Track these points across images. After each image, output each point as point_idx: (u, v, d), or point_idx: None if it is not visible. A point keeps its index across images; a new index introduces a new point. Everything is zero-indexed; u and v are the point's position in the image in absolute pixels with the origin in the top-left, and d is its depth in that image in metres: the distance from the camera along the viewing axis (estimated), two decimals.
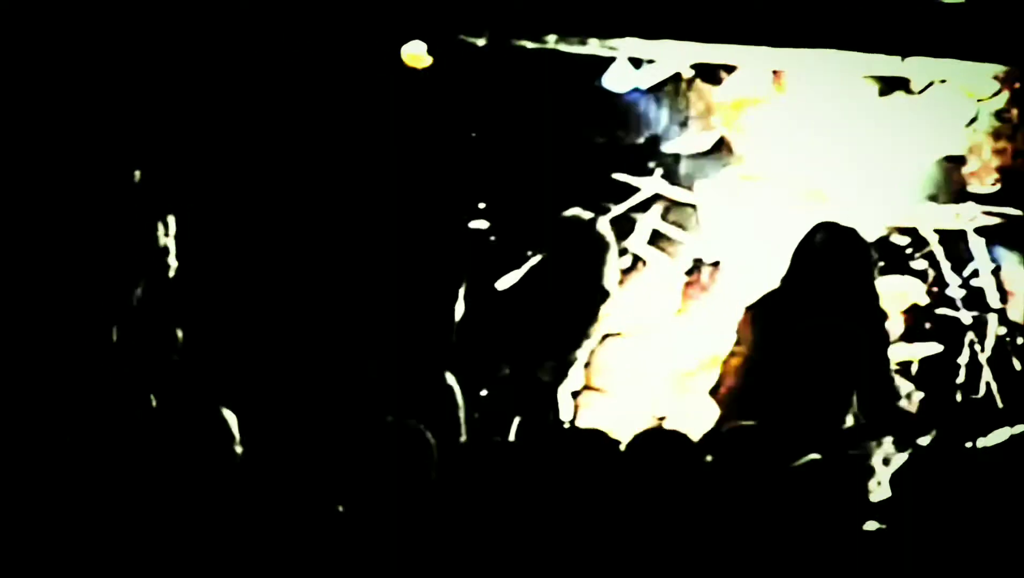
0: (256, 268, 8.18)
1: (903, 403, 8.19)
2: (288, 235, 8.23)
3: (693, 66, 8.91)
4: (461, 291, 7.88)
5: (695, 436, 7.14)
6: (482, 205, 8.83)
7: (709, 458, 6.22)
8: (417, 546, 5.74)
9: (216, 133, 8.31)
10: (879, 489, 7.24)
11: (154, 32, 8.16)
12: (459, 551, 5.86)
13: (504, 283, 8.13)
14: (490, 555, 5.95)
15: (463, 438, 7.22)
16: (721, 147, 9.30)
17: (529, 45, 8.69)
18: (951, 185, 8.98)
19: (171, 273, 7.34)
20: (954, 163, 9.04)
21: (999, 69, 8.61)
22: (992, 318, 8.57)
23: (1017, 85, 8.59)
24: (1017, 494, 6.96)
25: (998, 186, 8.96)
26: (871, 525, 6.61)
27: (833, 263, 6.61)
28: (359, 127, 8.58)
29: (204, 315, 7.66)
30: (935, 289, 8.65)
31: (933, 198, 8.84)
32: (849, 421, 6.65)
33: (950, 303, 8.66)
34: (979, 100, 8.74)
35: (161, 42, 8.17)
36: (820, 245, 6.64)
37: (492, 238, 8.78)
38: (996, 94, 8.75)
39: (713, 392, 6.74)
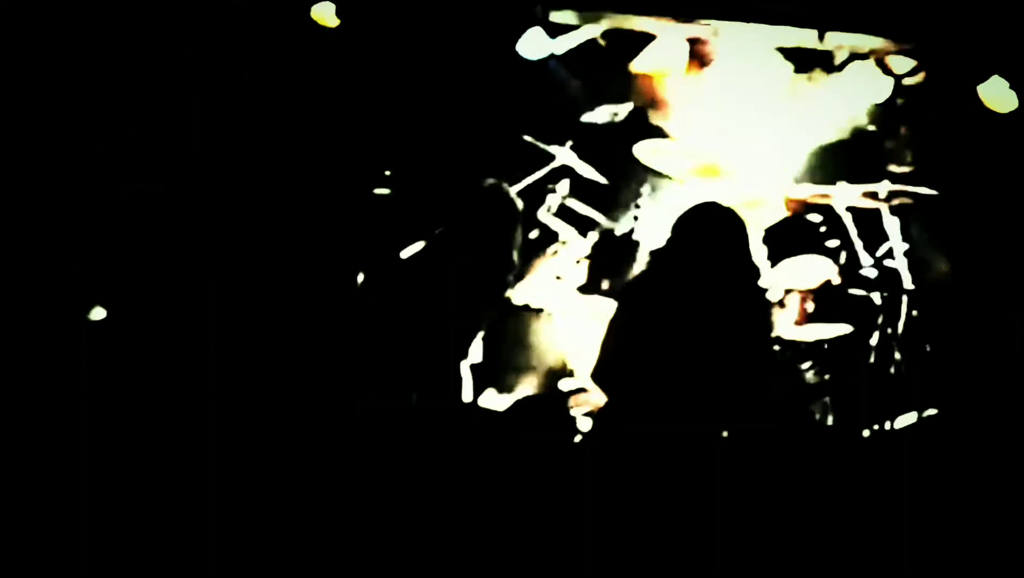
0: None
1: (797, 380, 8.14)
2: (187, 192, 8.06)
3: (607, 33, 8.75)
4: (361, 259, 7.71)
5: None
6: (388, 172, 8.63)
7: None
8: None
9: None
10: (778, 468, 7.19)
11: None
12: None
13: (408, 252, 7.95)
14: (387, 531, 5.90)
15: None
16: (636, 119, 9.17)
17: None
18: (867, 163, 8.90)
19: None
20: (870, 140, 8.97)
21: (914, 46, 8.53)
22: (904, 299, 8.47)
23: (932, 64, 8.49)
24: (925, 476, 6.96)
25: (912, 166, 8.90)
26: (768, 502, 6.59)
27: (709, 240, 6.54)
28: (267, 87, 8.42)
29: None
30: (847, 268, 8.55)
31: (848, 176, 8.74)
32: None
33: (862, 283, 8.56)
34: (896, 77, 8.64)
35: None
36: (696, 222, 6.59)
37: (396, 205, 8.59)
38: (913, 72, 8.65)
39: (594, 373, 6.61)
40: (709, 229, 6.57)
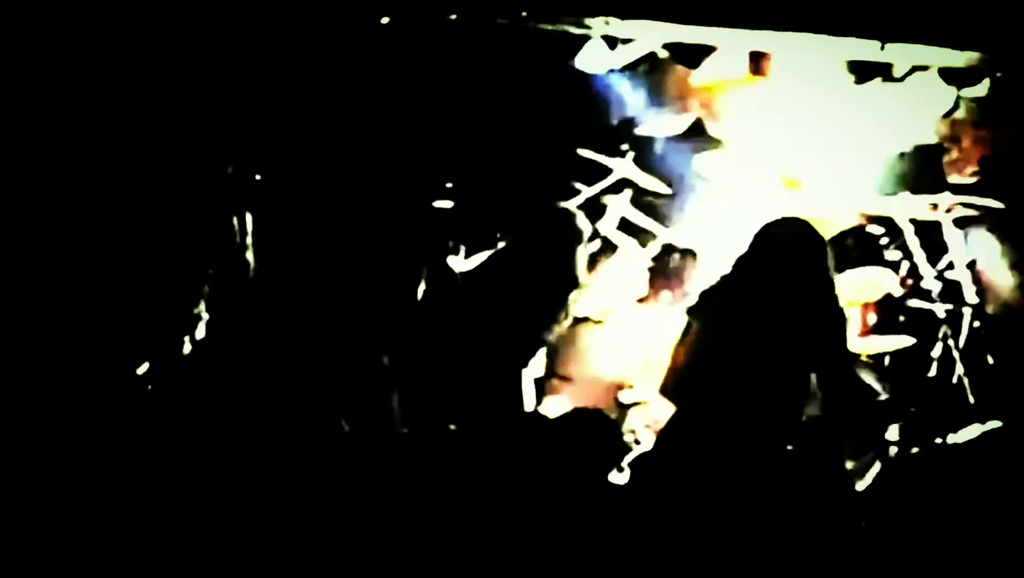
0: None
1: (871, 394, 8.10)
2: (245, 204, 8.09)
3: (668, 46, 8.73)
4: (424, 271, 7.72)
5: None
6: (449, 185, 8.65)
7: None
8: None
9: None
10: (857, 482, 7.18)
11: None
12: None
13: (466, 265, 7.99)
14: (456, 545, 5.91)
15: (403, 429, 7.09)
16: (696, 131, 9.16)
17: (502, 21, 8.53)
18: (929, 175, 8.84)
19: None
20: (933, 152, 8.90)
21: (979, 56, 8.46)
22: (967, 312, 8.43)
23: (998, 75, 8.41)
24: (987, 489, 6.91)
25: (976, 177, 8.83)
26: (850, 517, 6.56)
27: (787, 255, 6.46)
28: (328, 102, 8.45)
29: None
30: (909, 281, 8.50)
31: (910, 188, 8.69)
32: (810, 412, 6.49)
33: (925, 295, 8.52)
34: (959, 89, 8.57)
35: None
36: (775, 237, 6.50)
37: (458, 219, 8.61)
38: (976, 82, 8.58)
39: (663, 387, 6.56)
40: (789, 243, 6.48)
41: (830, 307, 6.46)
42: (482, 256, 8.10)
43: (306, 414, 6.79)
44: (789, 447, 6.42)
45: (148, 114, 7.73)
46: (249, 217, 7.47)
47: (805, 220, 6.63)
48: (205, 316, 7.22)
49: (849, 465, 7.44)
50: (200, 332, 7.16)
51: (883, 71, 8.78)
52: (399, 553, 5.97)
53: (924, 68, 8.53)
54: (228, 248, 7.39)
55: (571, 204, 8.29)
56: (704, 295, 6.63)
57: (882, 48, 8.43)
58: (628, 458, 7.29)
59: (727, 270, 6.58)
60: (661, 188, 8.87)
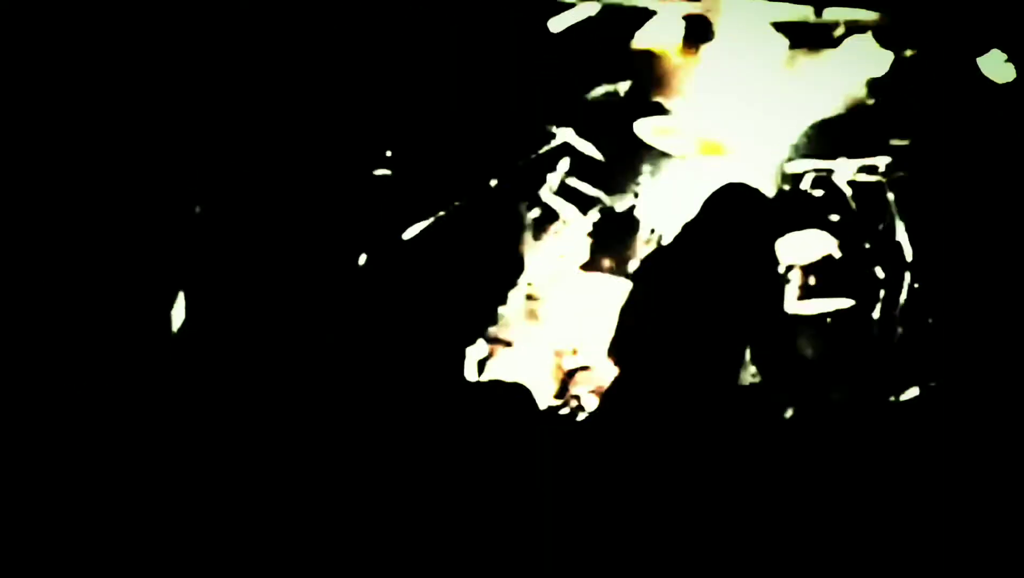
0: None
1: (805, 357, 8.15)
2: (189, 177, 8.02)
3: (606, 9, 8.72)
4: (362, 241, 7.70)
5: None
6: (388, 153, 8.61)
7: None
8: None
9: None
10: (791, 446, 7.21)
11: None
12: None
13: (410, 233, 7.95)
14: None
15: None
16: (636, 96, 9.15)
17: None
18: (867, 137, 8.89)
19: None
20: (869, 114, 8.95)
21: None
22: (906, 273, 8.48)
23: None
24: (928, 450, 6.96)
25: (912, 139, 8.89)
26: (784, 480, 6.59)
27: (734, 220, 6.51)
28: (268, 54, 8.39)
29: None
30: (848, 242, 8.55)
31: (849, 150, 8.73)
32: (746, 377, 6.54)
33: (864, 257, 8.56)
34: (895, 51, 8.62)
35: None
36: (723, 202, 6.55)
37: (397, 186, 8.57)
38: (912, 45, 8.63)
39: (610, 349, 6.61)
40: (738, 208, 6.53)
41: (768, 270, 6.54)
42: (421, 225, 8.05)
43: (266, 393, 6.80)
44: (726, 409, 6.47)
45: (111, 106, 7.67)
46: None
47: (752, 186, 6.68)
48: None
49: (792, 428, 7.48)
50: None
51: (820, 34, 8.83)
52: (349, 532, 5.95)
53: (861, 30, 8.59)
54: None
55: (511, 171, 8.26)
56: (647, 260, 6.68)
57: (818, 14, 8.47)
58: (572, 422, 7.31)
59: (671, 236, 6.64)
60: (599, 154, 8.86)
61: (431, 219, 8.02)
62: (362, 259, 7.66)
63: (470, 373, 7.75)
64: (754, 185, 6.68)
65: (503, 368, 7.98)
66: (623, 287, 7.28)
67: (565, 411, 7.80)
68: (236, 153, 8.05)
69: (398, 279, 7.74)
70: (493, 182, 8.20)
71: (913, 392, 7.80)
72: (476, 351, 7.90)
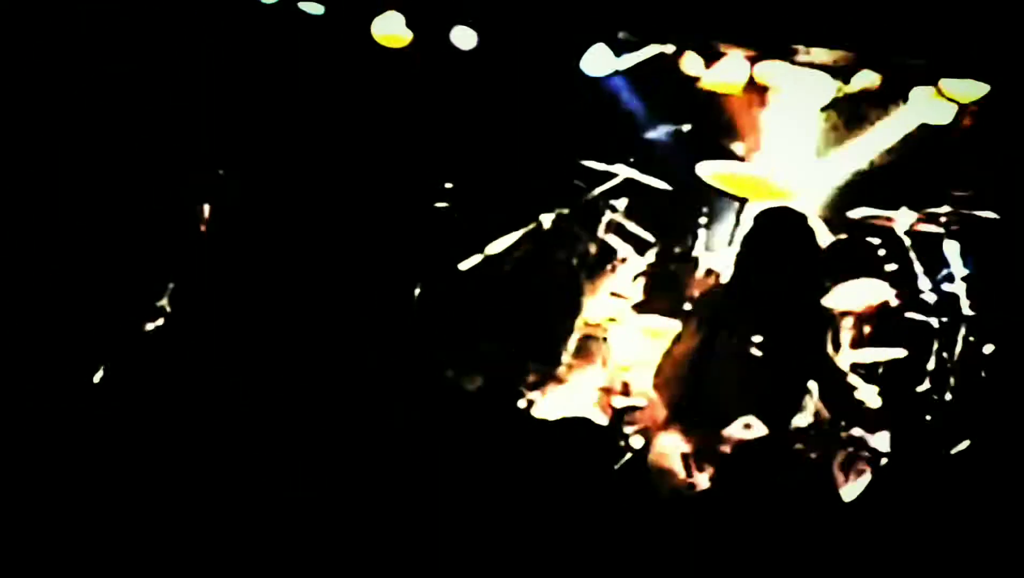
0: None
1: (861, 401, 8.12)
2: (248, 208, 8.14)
3: (673, 51, 8.76)
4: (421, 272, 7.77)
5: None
6: (449, 185, 8.68)
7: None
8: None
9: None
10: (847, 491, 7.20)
11: None
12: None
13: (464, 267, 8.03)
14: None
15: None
16: (699, 136, 9.18)
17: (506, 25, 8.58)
18: (928, 187, 8.86)
19: None
20: (932, 165, 8.93)
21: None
22: (962, 325, 8.44)
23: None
24: (977, 500, 6.93)
25: (974, 190, 8.85)
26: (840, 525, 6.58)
27: (778, 245, 6.50)
28: (329, 106, 8.49)
29: None
30: (905, 292, 8.51)
31: (909, 200, 8.71)
32: (802, 418, 6.54)
33: (921, 307, 8.53)
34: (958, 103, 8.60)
35: None
36: (766, 227, 6.54)
37: (456, 218, 8.64)
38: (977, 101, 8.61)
39: (655, 384, 6.63)
40: (779, 231, 6.50)
41: (822, 318, 6.53)
42: (476, 258, 8.13)
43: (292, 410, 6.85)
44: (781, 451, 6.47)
45: (114, 110, 7.77)
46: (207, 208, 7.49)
47: (793, 209, 6.67)
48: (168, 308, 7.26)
49: (839, 475, 7.46)
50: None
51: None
52: (388, 551, 6.00)
53: (925, 82, 8.58)
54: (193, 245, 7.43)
55: (571, 209, 8.30)
56: (700, 300, 6.68)
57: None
58: (620, 462, 7.32)
59: (725, 276, 6.63)
60: (661, 194, 8.87)
61: (489, 252, 8.10)
62: (417, 290, 7.74)
63: (523, 409, 7.80)
64: (810, 227, 6.68)
65: (554, 405, 8.02)
66: (675, 327, 7.31)
67: (613, 449, 7.81)
68: (300, 186, 8.17)
69: (454, 311, 7.81)
70: (551, 217, 8.24)
71: (963, 445, 7.76)
72: (530, 388, 7.96)
